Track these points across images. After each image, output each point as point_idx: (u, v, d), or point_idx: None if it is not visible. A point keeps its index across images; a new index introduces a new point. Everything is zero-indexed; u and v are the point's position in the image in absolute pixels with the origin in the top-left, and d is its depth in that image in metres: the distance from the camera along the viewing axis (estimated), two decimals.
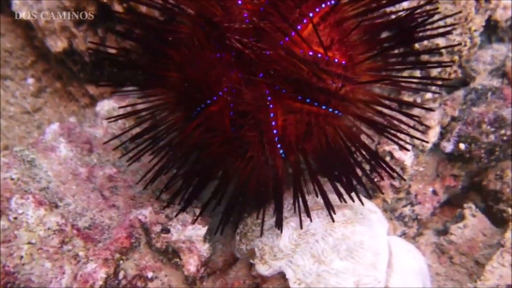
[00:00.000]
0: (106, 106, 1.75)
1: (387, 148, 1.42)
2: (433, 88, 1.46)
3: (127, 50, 1.50)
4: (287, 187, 1.32)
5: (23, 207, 1.27)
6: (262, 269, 1.21)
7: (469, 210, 1.49)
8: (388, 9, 1.22)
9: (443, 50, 1.39)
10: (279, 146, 1.19)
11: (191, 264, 1.30)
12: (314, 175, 1.22)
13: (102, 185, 1.47)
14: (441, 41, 1.39)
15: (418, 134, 1.35)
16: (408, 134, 1.23)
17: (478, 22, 1.43)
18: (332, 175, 1.23)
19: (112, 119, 1.46)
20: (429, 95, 1.47)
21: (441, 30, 1.21)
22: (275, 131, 1.16)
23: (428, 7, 1.21)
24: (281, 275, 1.20)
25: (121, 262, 1.27)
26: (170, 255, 1.33)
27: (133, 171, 1.55)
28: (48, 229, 1.26)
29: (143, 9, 1.47)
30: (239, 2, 1.13)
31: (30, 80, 2.07)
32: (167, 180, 1.36)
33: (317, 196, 1.21)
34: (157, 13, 1.43)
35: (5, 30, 2.06)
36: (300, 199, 1.22)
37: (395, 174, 1.28)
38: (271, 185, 1.25)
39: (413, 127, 1.26)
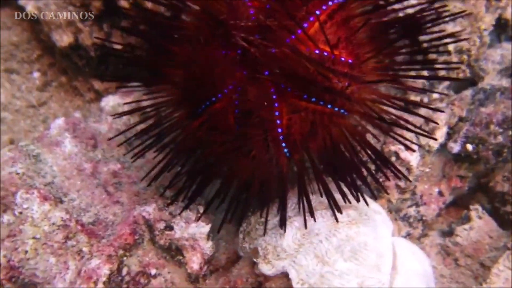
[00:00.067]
0: (111, 101, 1.75)
1: (393, 148, 1.41)
2: (440, 88, 1.44)
3: (133, 46, 1.50)
4: (291, 186, 1.31)
5: (28, 202, 1.28)
6: (265, 268, 1.21)
7: (475, 211, 1.48)
8: (396, 6, 1.20)
9: (451, 49, 1.37)
10: (283, 145, 1.18)
11: (194, 262, 1.30)
12: (319, 174, 1.21)
13: (107, 181, 1.48)
14: (449, 40, 1.36)
15: (424, 134, 1.33)
16: (415, 132, 1.21)
17: (488, 21, 1.41)
18: (337, 174, 1.22)
19: (117, 115, 1.45)
20: (436, 95, 1.45)
21: (449, 29, 1.19)
22: (279, 130, 1.16)
23: (437, 5, 1.18)
24: (285, 274, 1.20)
25: (125, 258, 1.28)
26: (173, 252, 1.34)
27: (137, 167, 1.55)
28: (53, 224, 1.27)
29: (149, 4, 1.46)
30: None
31: (36, 74, 2.07)
32: (171, 177, 1.36)
33: (321, 196, 1.21)
34: (163, 8, 1.42)
35: (12, 23, 2.06)
36: (305, 199, 1.21)
37: (400, 175, 1.27)
38: (275, 184, 1.25)
39: (420, 128, 1.24)
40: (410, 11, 1.17)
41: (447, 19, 1.21)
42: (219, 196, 1.31)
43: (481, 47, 1.43)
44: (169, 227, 1.31)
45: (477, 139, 1.47)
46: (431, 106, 1.24)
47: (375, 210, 1.27)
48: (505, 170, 1.55)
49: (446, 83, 1.46)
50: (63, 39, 1.83)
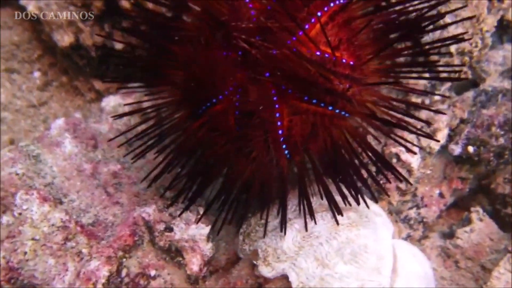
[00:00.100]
0: (112, 102, 1.74)
1: (393, 150, 1.40)
2: (442, 90, 1.44)
3: (133, 46, 1.49)
4: (291, 188, 1.31)
5: (27, 202, 1.28)
6: (265, 271, 1.20)
7: (476, 214, 1.47)
8: (398, 8, 1.19)
9: (453, 51, 1.37)
10: (284, 146, 1.18)
11: (194, 264, 1.30)
12: (319, 176, 1.21)
13: (106, 182, 1.48)
14: (451, 42, 1.36)
15: (426, 136, 1.33)
16: (416, 134, 1.21)
17: (490, 22, 1.40)
18: (337, 176, 1.22)
19: (117, 117, 1.45)
20: (438, 97, 1.44)
21: (451, 31, 1.18)
22: (280, 131, 1.15)
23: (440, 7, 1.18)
24: (285, 276, 1.19)
25: (124, 260, 1.27)
26: (173, 253, 1.33)
27: (137, 167, 1.55)
28: (52, 225, 1.26)
29: (150, 5, 1.46)
30: (247, 0, 1.12)
31: (37, 74, 2.07)
32: (171, 177, 1.35)
33: (322, 198, 1.20)
34: (164, 9, 1.42)
35: (13, 23, 2.06)
36: (305, 201, 1.20)
37: (401, 178, 1.27)
38: (275, 185, 1.24)
39: (421, 130, 1.23)
40: (412, 12, 1.16)
41: (448, 20, 1.21)
42: (219, 197, 1.30)
43: (483, 48, 1.43)
44: (169, 229, 1.31)
45: (479, 141, 1.47)
46: (432, 108, 1.24)
47: (376, 212, 1.27)
48: (506, 172, 1.54)
49: (448, 84, 1.46)
50: (64, 39, 1.83)
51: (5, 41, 2.03)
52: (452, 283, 1.42)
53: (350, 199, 1.21)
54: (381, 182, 1.40)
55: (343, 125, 1.18)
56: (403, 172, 1.42)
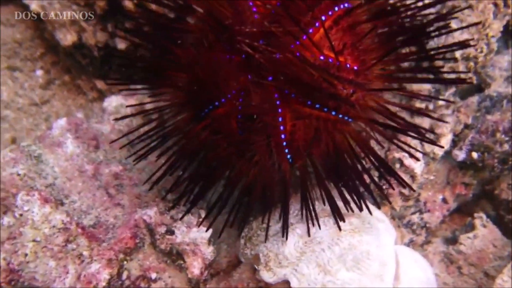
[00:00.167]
0: (114, 102, 1.74)
1: (397, 155, 1.39)
2: (446, 95, 1.42)
3: (136, 44, 1.49)
4: (293, 192, 1.30)
5: (28, 204, 1.27)
6: (267, 276, 1.20)
7: (479, 220, 1.46)
8: (403, 13, 1.18)
9: (458, 57, 1.35)
10: (286, 150, 1.17)
11: (195, 267, 1.30)
12: (321, 181, 1.20)
13: (108, 183, 1.47)
14: (456, 47, 1.35)
15: (430, 143, 1.32)
16: (420, 139, 1.20)
17: (496, 27, 1.38)
18: (340, 181, 1.21)
19: (119, 119, 1.45)
20: (442, 101, 1.43)
21: (457, 36, 1.17)
22: (283, 136, 1.15)
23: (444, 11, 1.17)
24: (286, 281, 1.19)
25: (125, 262, 1.27)
26: (174, 256, 1.33)
27: (139, 169, 1.54)
28: (53, 227, 1.26)
29: (153, 6, 1.45)
30: (250, 3, 1.11)
31: (39, 72, 2.07)
32: (173, 180, 1.35)
33: (324, 204, 1.19)
34: (167, 10, 1.41)
35: (16, 21, 2.05)
36: (310, 205, 1.20)
37: (404, 184, 1.26)
38: (277, 189, 1.24)
39: (424, 135, 1.22)
40: (417, 17, 1.15)
41: (454, 26, 1.20)
42: (221, 200, 1.30)
43: (488, 54, 1.42)
44: (170, 232, 1.30)
45: (483, 147, 1.45)
46: (435, 116, 1.23)
47: (378, 218, 1.26)
48: (510, 178, 1.53)
49: (452, 90, 1.44)
50: (67, 38, 1.83)
51: (7, 39, 2.02)
52: None
53: (353, 205, 1.21)
54: (384, 187, 1.39)
55: (346, 129, 1.18)
56: (407, 177, 1.41)
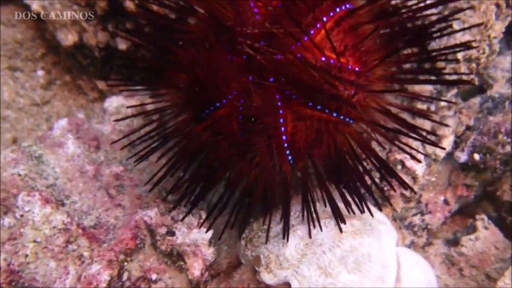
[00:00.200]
0: (115, 102, 1.74)
1: (398, 156, 1.39)
2: (448, 96, 1.42)
3: (137, 44, 1.49)
4: (294, 193, 1.29)
5: (29, 204, 1.27)
6: (267, 277, 1.19)
7: (481, 222, 1.46)
8: (405, 14, 1.18)
9: (460, 58, 1.35)
10: (288, 152, 1.17)
11: (196, 268, 1.29)
12: (323, 182, 1.20)
13: (109, 184, 1.47)
14: (458, 49, 1.34)
15: (431, 141, 1.31)
16: (421, 141, 1.19)
17: (498, 28, 1.38)
18: (341, 183, 1.21)
19: (119, 120, 1.45)
20: (444, 102, 1.43)
21: (459, 37, 1.17)
22: (284, 137, 1.14)
23: (446, 13, 1.16)
24: (287, 283, 1.19)
25: (125, 263, 1.27)
26: (175, 257, 1.33)
27: (140, 169, 1.54)
28: (54, 227, 1.26)
29: (154, 7, 1.44)
30: (251, 4, 1.11)
31: (40, 72, 2.07)
32: (174, 180, 1.34)
33: (325, 205, 1.19)
34: (168, 10, 1.41)
35: (17, 21, 2.05)
36: (311, 207, 1.19)
37: (405, 185, 1.25)
38: (278, 191, 1.23)
39: (426, 137, 1.22)
40: (419, 18, 1.15)
41: (455, 26, 1.19)
42: (221, 201, 1.30)
43: (490, 55, 1.41)
44: (171, 233, 1.30)
45: (485, 148, 1.45)
46: (436, 120, 1.22)
47: (380, 220, 1.25)
48: None
49: (454, 91, 1.44)
50: (68, 38, 1.83)
51: (8, 39, 2.02)
52: None
53: (354, 207, 1.20)
54: (385, 189, 1.39)
55: (347, 131, 1.17)
56: (408, 179, 1.40)
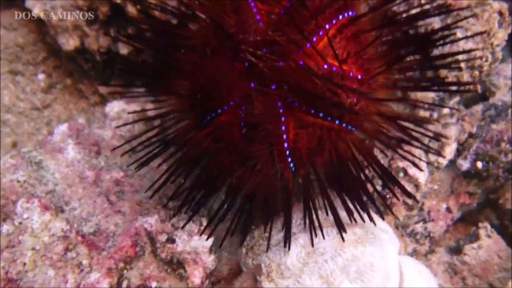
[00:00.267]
0: (116, 107, 1.73)
1: (401, 164, 1.38)
2: (451, 103, 1.41)
3: (139, 49, 1.48)
4: (296, 201, 1.29)
5: (28, 211, 1.26)
6: (268, 286, 1.18)
7: (484, 230, 1.45)
8: (407, 22, 1.17)
9: (462, 66, 1.35)
10: (289, 159, 1.16)
11: (196, 276, 1.28)
12: (324, 190, 1.19)
13: (109, 189, 1.46)
14: (461, 56, 1.34)
15: (433, 152, 1.31)
16: (424, 149, 1.19)
17: (501, 36, 1.38)
18: (343, 190, 1.20)
19: (120, 126, 1.44)
20: (446, 110, 1.42)
21: (462, 45, 1.16)
22: (286, 144, 1.14)
23: (449, 20, 1.16)
24: None
25: (125, 271, 1.26)
26: (175, 265, 1.32)
27: (140, 175, 1.53)
28: (53, 235, 1.25)
29: (156, 12, 1.44)
30: (254, 10, 1.10)
31: (41, 76, 2.06)
32: (175, 187, 1.34)
33: (327, 214, 1.18)
34: (169, 16, 1.40)
35: (18, 24, 2.05)
36: (313, 215, 1.18)
37: (407, 195, 1.24)
38: (280, 198, 1.22)
39: (428, 146, 1.21)
40: (422, 26, 1.15)
41: (458, 34, 1.19)
42: (222, 208, 1.29)
43: (493, 62, 1.41)
44: (171, 240, 1.29)
45: (488, 156, 1.44)
46: (439, 133, 1.22)
47: (382, 228, 1.24)
48: None
49: (457, 98, 1.43)
50: (69, 42, 1.82)
51: (9, 43, 2.02)
52: None
53: (356, 216, 1.19)
54: (388, 197, 1.38)
55: (349, 138, 1.17)
56: (410, 186, 1.39)
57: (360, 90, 1.10)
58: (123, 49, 1.76)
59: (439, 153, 1.24)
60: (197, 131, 1.23)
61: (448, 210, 1.52)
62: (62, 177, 1.43)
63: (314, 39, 1.08)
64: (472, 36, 1.27)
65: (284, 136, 1.13)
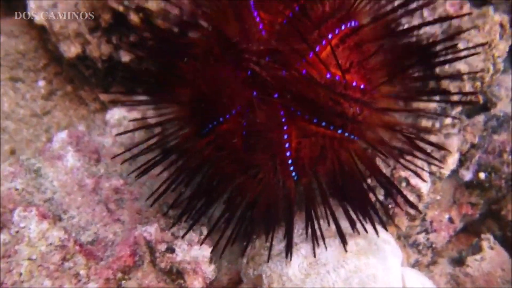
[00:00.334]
0: (116, 115, 1.73)
1: (403, 174, 1.38)
2: (453, 113, 1.42)
3: (141, 57, 1.48)
4: (298, 210, 1.27)
5: (25, 220, 1.24)
6: None
7: (487, 242, 1.43)
8: (410, 32, 1.18)
9: (464, 76, 1.35)
10: (291, 168, 1.15)
11: (196, 286, 1.26)
12: (326, 200, 1.18)
13: (108, 198, 1.44)
14: (463, 67, 1.35)
15: (436, 162, 1.30)
16: (426, 160, 1.18)
17: (502, 48, 1.39)
18: (345, 200, 1.19)
19: (121, 133, 1.43)
20: (448, 120, 1.42)
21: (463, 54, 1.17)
22: (288, 153, 1.13)
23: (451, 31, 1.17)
24: None
25: (123, 282, 1.24)
26: (174, 275, 1.30)
27: (140, 182, 1.52)
28: (50, 244, 1.23)
29: (158, 21, 1.45)
30: (257, 19, 1.10)
31: (41, 83, 2.06)
32: (175, 195, 1.32)
33: (328, 224, 1.17)
34: (172, 25, 1.41)
35: (19, 31, 2.05)
36: (315, 225, 1.17)
37: (410, 205, 1.24)
38: (281, 207, 1.21)
39: (431, 156, 1.21)
40: (424, 37, 1.15)
41: (460, 45, 1.19)
42: (223, 217, 1.27)
43: (494, 73, 1.41)
44: (171, 249, 1.27)
45: (490, 167, 1.44)
46: (439, 145, 1.22)
47: (385, 239, 1.23)
48: None
49: (459, 108, 1.44)
50: (71, 50, 1.82)
51: (10, 50, 2.02)
52: None
53: (359, 226, 1.18)
54: (390, 207, 1.37)
55: (352, 147, 1.16)
56: (413, 196, 1.39)
57: (363, 100, 1.09)
58: (125, 57, 1.76)
59: (441, 166, 1.23)
60: (199, 139, 1.23)
61: (451, 220, 1.51)
62: (60, 185, 1.42)
63: (317, 48, 1.09)
64: (474, 47, 1.28)
65: (287, 145, 1.12)
